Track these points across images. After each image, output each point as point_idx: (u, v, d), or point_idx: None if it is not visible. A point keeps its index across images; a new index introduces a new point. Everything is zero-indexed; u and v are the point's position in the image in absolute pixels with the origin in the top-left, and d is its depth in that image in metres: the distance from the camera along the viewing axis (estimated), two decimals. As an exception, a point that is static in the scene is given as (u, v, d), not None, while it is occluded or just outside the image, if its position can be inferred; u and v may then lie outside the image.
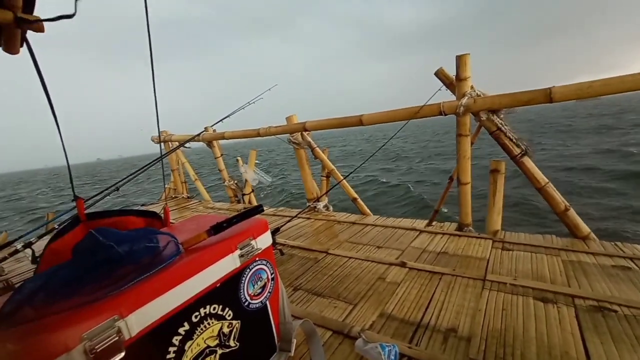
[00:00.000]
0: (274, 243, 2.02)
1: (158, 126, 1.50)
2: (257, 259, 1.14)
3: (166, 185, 5.31)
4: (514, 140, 2.27)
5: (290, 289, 1.79)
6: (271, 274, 1.20)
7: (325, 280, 1.83)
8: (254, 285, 1.12)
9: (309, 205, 3.24)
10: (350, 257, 2.10)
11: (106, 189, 1.93)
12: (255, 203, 4.19)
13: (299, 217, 3.10)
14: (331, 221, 2.98)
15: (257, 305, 1.13)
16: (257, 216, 1.19)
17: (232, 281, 1.04)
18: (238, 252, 1.05)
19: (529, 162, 2.26)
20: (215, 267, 0.96)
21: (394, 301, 1.54)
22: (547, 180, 2.25)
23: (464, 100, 2.15)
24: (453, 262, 1.89)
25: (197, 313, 0.90)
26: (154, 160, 2.25)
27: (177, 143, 4.50)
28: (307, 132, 3.28)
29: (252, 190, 4.25)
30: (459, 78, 2.23)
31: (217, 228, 1.02)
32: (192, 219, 1.31)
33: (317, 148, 3.31)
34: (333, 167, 3.32)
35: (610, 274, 1.61)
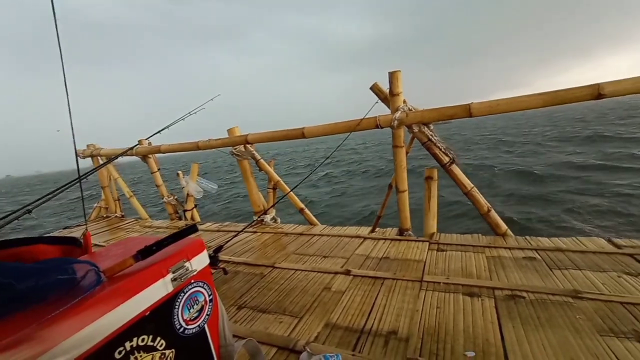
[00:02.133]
0: (217, 262, 1.94)
1: (74, 139, 1.35)
2: (192, 281, 1.08)
3: (95, 205, 4.78)
4: (442, 150, 2.50)
5: (234, 308, 1.72)
6: (209, 296, 1.14)
7: (271, 295, 1.80)
8: (189, 310, 1.05)
9: (256, 219, 3.18)
10: (296, 270, 2.09)
11: (12, 213, 1.67)
12: (198, 219, 3.97)
13: (245, 232, 3.02)
14: (279, 234, 2.95)
15: (194, 330, 1.07)
16: (194, 235, 1.14)
17: (164, 307, 0.97)
18: (170, 275, 0.99)
19: (456, 169, 2.51)
20: (144, 295, 0.89)
21: (339, 310, 1.57)
22: (472, 185, 2.51)
23: (398, 114, 2.32)
24: (394, 267, 1.99)
25: (121, 348, 0.82)
26: (75, 180, 2.01)
27: (106, 158, 4.10)
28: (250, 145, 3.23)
29: (195, 206, 4.03)
30: (392, 93, 2.40)
31: (145, 252, 0.95)
32: (119, 243, 1.20)
33: (262, 160, 3.27)
34: (279, 178, 3.31)
35: (521, 265, 1.84)
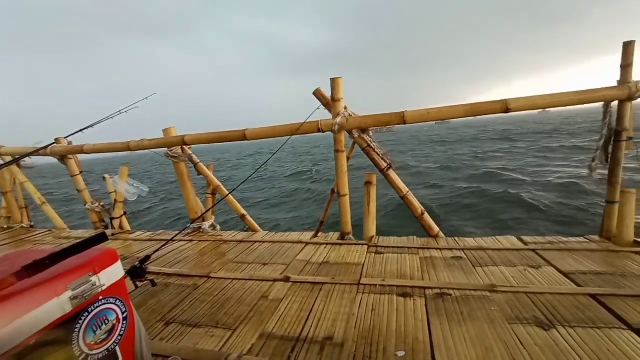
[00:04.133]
0: (144, 273, 1.75)
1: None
2: (100, 298, 0.94)
3: (-7, 213, 4.05)
4: (381, 155, 2.61)
5: (161, 324, 1.56)
6: (123, 314, 1.01)
7: (204, 308, 1.67)
8: (94, 332, 0.91)
9: (192, 226, 2.97)
10: (233, 279, 1.99)
11: None
12: (128, 227, 3.58)
13: (180, 240, 2.80)
14: (217, 242, 2.79)
15: (101, 355, 0.93)
16: (104, 245, 1.00)
17: (60, 332, 0.83)
18: (68, 293, 0.85)
19: (393, 174, 2.63)
20: (27, 319, 0.75)
21: (275, 319, 1.51)
22: (407, 190, 2.66)
23: (338, 119, 2.37)
24: (333, 271, 2.00)
25: (-9, 388, 0.67)
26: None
27: (10, 158, 3.51)
28: (188, 147, 3.02)
29: (125, 213, 3.63)
30: (334, 99, 2.44)
31: (34, 267, 0.80)
32: (5, 258, 1.01)
33: (201, 163, 3.08)
34: (219, 183, 3.15)
35: (449, 264, 1.98)
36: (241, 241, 2.72)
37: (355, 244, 2.43)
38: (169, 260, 2.40)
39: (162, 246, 2.14)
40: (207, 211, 3.00)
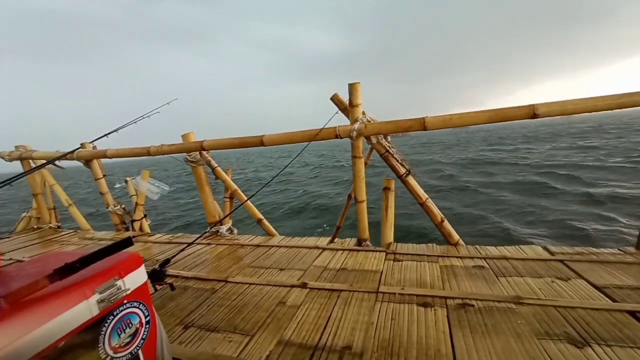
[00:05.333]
0: (163, 276, 1.78)
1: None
2: (125, 301, 0.96)
3: (24, 214, 4.24)
4: (399, 161, 2.57)
5: (180, 328, 1.58)
6: (145, 317, 1.02)
7: (222, 312, 1.68)
8: (119, 335, 0.93)
9: (210, 230, 3.01)
10: (251, 284, 1.99)
11: None
12: (147, 230, 3.68)
13: (198, 244, 2.84)
14: (234, 245, 2.81)
15: (126, 358, 0.94)
16: (130, 249, 1.02)
17: (87, 334, 0.84)
18: (96, 297, 0.87)
19: (412, 181, 2.58)
20: (57, 322, 0.77)
21: (293, 326, 1.50)
22: (427, 196, 2.60)
23: (357, 125, 2.35)
24: (351, 278, 1.97)
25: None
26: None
27: (41, 161, 3.68)
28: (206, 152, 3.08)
29: (145, 216, 3.74)
30: (352, 104, 2.43)
31: (64, 270, 0.83)
32: (37, 260, 1.04)
33: (219, 167, 3.13)
34: (236, 187, 3.18)
35: (471, 274, 1.92)
36: (258, 245, 2.74)
37: (373, 251, 2.40)
38: (187, 264, 2.44)
39: (182, 249, 2.17)
40: (226, 216, 3.04)
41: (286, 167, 2.74)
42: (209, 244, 2.90)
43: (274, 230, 3.15)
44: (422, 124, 2.23)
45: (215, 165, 3.13)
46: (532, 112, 1.96)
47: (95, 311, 0.87)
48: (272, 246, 2.70)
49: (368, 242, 2.56)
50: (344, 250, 2.46)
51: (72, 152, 3.49)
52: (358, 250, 2.43)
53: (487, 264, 2.04)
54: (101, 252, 0.92)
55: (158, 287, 1.80)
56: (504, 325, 1.38)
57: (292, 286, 1.91)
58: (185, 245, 2.16)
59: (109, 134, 3.49)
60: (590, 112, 1.93)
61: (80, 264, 0.86)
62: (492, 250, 2.27)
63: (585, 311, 1.44)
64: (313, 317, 1.58)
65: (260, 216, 3.16)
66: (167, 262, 1.80)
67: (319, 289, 1.86)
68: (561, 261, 1.99)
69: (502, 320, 1.42)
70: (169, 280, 1.88)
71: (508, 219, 6.74)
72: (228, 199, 3.24)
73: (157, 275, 1.71)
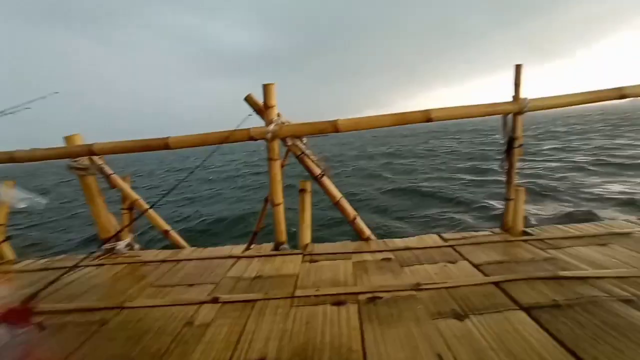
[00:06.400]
0: (28, 316, 1.44)
1: None
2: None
3: None
4: (315, 162, 2.62)
5: (54, 377, 1.29)
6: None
7: (113, 347, 1.43)
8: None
9: (104, 247, 2.58)
10: (153, 306, 1.76)
11: None
12: (9, 256, 2.92)
13: (85, 266, 2.40)
14: (135, 263, 2.47)
15: None
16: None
17: None
18: None
19: (327, 181, 2.66)
20: None
21: (201, 348, 1.37)
22: (340, 195, 2.71)
23: (271, 127, 2.30)
24: (267, 285, 1.92)
25: None
26: None
27: None
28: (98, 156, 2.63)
29: (8, 238, 2.97)
30: (267, 106, 2.37)
31: None
32: None
33: (115, 174, 2.71)
34: (137, 196, 2.80)
35: (380, 267, 2.06)
36: (163, 261, 2.45)
37: (290, 254, 2.38)
38: (69, 293, 2.02)
39: (61, 276, 1.79)
40: (122, 229, 2.64)
41: (192, 172, 2.53)
42: (101, 264, 2.47)
43: (183, 242, 2.88)
44: (335, 127, 2.31)
45: (110, 172, 2.69)
46: (428, 116, 2.21)
47: None
48: (181, 260, 2.46)
49: (285, 246, 2.54)
50: (260, 256, 2.39)
51: None
52: (275, 255, 2.39)
53: (394, 255, 2.23)
54: None
55: (20, 330, 1.45)
56: (407, 313, 1.51)
57: (202, 303, 1.76)
58: (66, 270, 1.80)
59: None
60: (469, 117, 2.29)
61: None
62: (398, 242, 2.49)
63: (467, 288, 1.69)
64: (224, 333, 1.47)
65: (167, 227, 2.85)
66: (33, 296, 1.47)
67: (232, 302, 1.75)
68: (452, 246, 2.30)
69: (405, 307, 1.56)
70: (38, 319, 1.53)
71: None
72: (127, 211, 2.82)
73: (17, 316, 1.37)
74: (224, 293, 1.85)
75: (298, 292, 1.78)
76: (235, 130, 2.39)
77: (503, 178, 2.53)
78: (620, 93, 2.20)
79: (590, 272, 1.74)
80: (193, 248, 2.77)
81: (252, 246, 2.62)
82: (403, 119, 2.27)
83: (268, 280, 1.99)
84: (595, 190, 8.11)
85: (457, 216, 6.94)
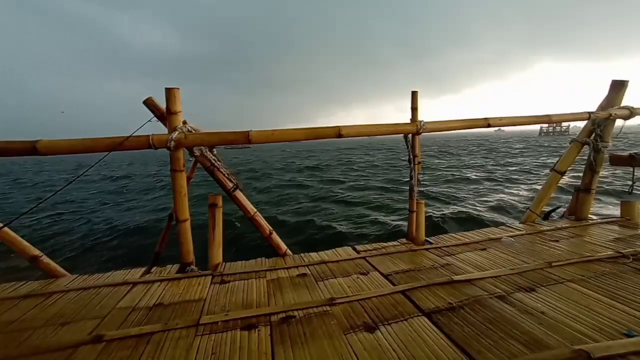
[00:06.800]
0: None
1: None
2: None
3: None
4: (226, 175, 2.46)
5: None
6: None
7: None
8: None
9: None
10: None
11: None
12: None
13: None
14: (-18, 302, 1.88)
15: None
16: None
17: None
18: None
19: (240, 195, 2.52)
20: None
21: (69, 406, 1.09)
22: (255, 210, 2.60)
23: (175, 135, 2.07)
24: (167, 314, 1.67)
25: None
26: None
27: None
28: None
29: None
30: (170, 111, 2.14)
31: None
32: None
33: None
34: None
35: (295, 283, 2.01)
36: (26, 296, 1.94)
37: (198, 276, 2.15)
38: None
39: None
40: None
41: (73, 181, 2.10)
42: None
43: (61, 270, 2.34)
44: (246, 137, 2.21)
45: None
46: (337, 131, 2.30)
47: None
48: (55, 292, 1.98)
49: (193, 267, 2.28)
50: (162, 280, 2.09)
51: None
52: (180, 279, 2.12)
53: (309, 270, 2.21)
54: None
55: None
56: (320, 330, 1.48)
57: (78, 345, 1.42)
58: None
59: None
60: (376, 135, 2.46)
61: None
62: (314, 256, 2.49)
63: (377, 298, 1.76)
64: (106, 382, 1.20)
65: (36, 252, 2.28)
66: None
67: (120, 338, 1.47)
68: (364, 258, 2.40)
69: (318, 325, 1.53)
70: None
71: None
72: (-29, 233, 2.16)
73: None
74: (112, 329, 1.54)
75: (204, 319, 1.59)
76: (130, 136, 2.07)
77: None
78: (486, 122, 2.67)
79: (475, 274, 2.01)
80: (75, 276, 2.28)
81: (152, 269, 2.29)
82: (315, 134, 2.32)
83: (169, 307, 1.74)
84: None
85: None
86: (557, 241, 2.59)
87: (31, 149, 1.93)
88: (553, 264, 2.10)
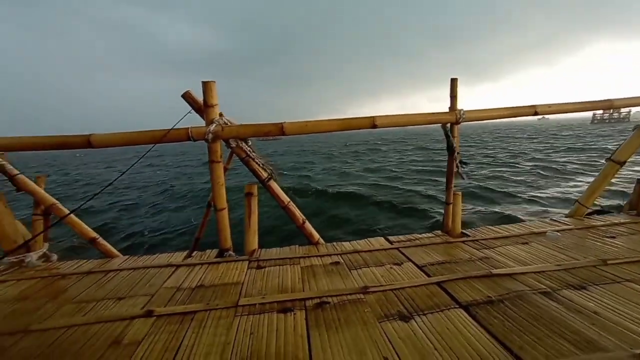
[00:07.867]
0: None
1: None
2: None
3: None
4: (261, 165, 2.52)
5: None
6: None
7: (12, 379, 1.20)
8: None
9: (8, 260, 2.18)
10: (71, 326, 1.52)
11: None
12: None
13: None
14: (52, 277, 2.12)
15: None
16: None
17: None
18: None
19: (274, 185, 2.58)
20: None
21: (127, 371, 1.21)
22: (289, 200, 2.65)
23: (212, 127, 2.16)
24: (208, 295, 1.78)
25: None
26: None
27: None
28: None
29: None
30: (207, 104, 2.23)
31: None
32: None
33: (22, 175, 2.32)
34: (54, 200, 2.43)
35: (328, 271, 2.05)
36: (88, 272, 2.15)
37: (235, 261, 2.26)
38: (-43, 317, 1.66)
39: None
40: (32, 238, 2.26)
41: (129, 169, 2.27)
42: (4, 281, 2.09)
43: (114, 251, 2.57)
44: (280, 129, 2.25)
45: (16, 172, 2.30)
46: (372, 122, 2.27)
47: None
48: (110, 271, 2.18)
49: (231, 252, 2.40)
50: (202, 264, 2.22)
51: None
52: (219, 263, 2.24)
53: (342, 259, 2.23)
54: None
55: None
56: (354, 316, 1.50)
57: (133, 317, 1.57)
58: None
59: None
60: (410, 125, 2.39)
61: None
62: (347, 246, 2.50)
63: (412, 289, 1.74)
64: (158, 351, 1.32)
65: (94, 234, 2.52)
66: None
67: (168, 314, 1.59)
68: (397, 249, 2.38)
69: (352, 311, 1.55)
70: None
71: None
72: (40, 217, 2.43)
73: None
74: (160, 305, 1.67)
75: (243, 301, 1.68)
76: (171, 129, 2.19)
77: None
78: (533, 110, 2.49)
79: (516, 268, 1.91)
80: (126, 257, 2.49)
81: (193, 253, 2.43)
82: (349, 124, 2.30)
83: (210, 289, 1.85)
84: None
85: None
86: (613, 237, 2.38)
87: (86, 142, 2.12)
88: (608, 261, 1.94)
